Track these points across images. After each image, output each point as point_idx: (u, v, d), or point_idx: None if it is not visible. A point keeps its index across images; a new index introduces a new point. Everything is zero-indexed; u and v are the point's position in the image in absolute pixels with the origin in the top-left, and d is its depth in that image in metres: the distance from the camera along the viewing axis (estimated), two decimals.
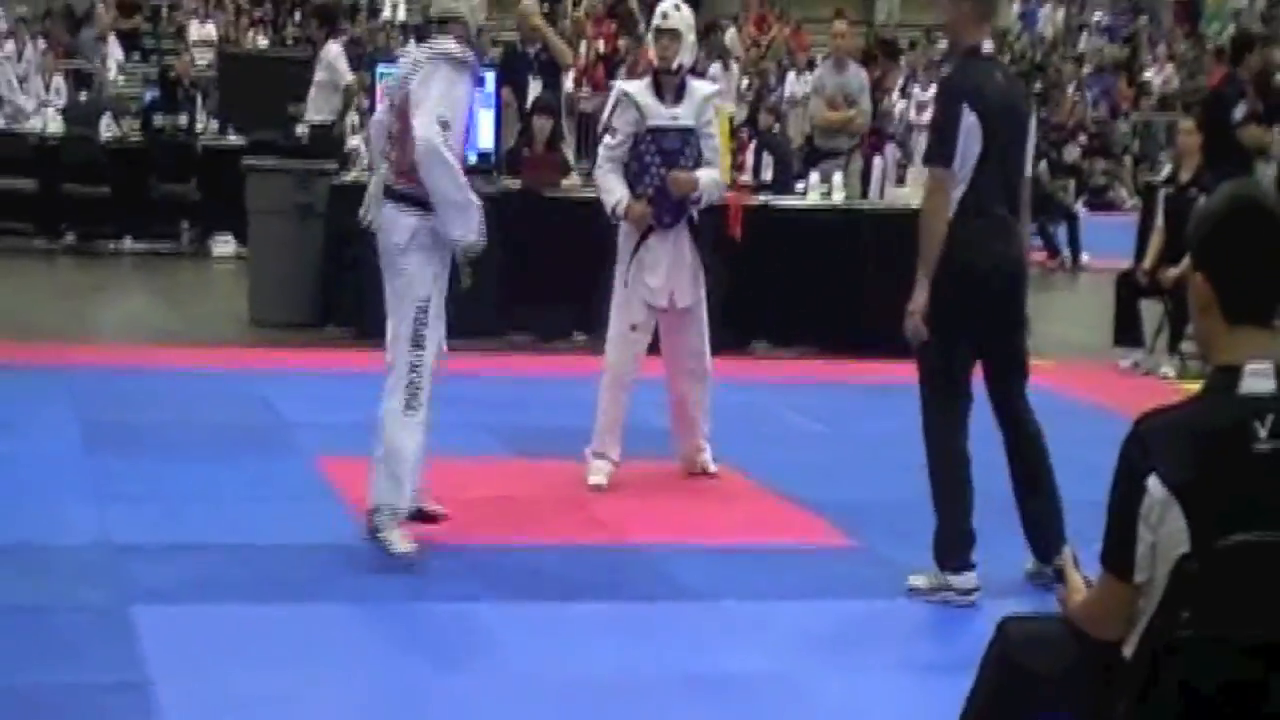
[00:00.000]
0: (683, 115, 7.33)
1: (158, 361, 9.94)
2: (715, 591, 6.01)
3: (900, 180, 11.92)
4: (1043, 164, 17.94)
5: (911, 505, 7.11)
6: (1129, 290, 11.31)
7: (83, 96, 17.13)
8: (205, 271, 14.58)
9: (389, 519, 6.10)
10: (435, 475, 7.40)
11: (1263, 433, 2.88)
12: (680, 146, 7.32)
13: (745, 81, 22.03)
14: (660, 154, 7.32)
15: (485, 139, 11.30)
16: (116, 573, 5.84)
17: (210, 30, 22.27)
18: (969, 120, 5.84)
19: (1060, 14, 30.49)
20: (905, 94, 22.10)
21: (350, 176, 11.91)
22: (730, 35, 24.31)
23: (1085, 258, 17.37)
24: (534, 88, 12.28)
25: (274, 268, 11.44)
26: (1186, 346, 10.53)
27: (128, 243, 15.13)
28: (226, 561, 6.02)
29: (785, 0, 29.09)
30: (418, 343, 6.23)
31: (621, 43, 24.42)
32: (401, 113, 6.07)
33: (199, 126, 15.92)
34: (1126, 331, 11.31)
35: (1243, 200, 3.02)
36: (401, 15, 26.64)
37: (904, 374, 8.06)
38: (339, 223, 11.07)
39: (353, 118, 14.13)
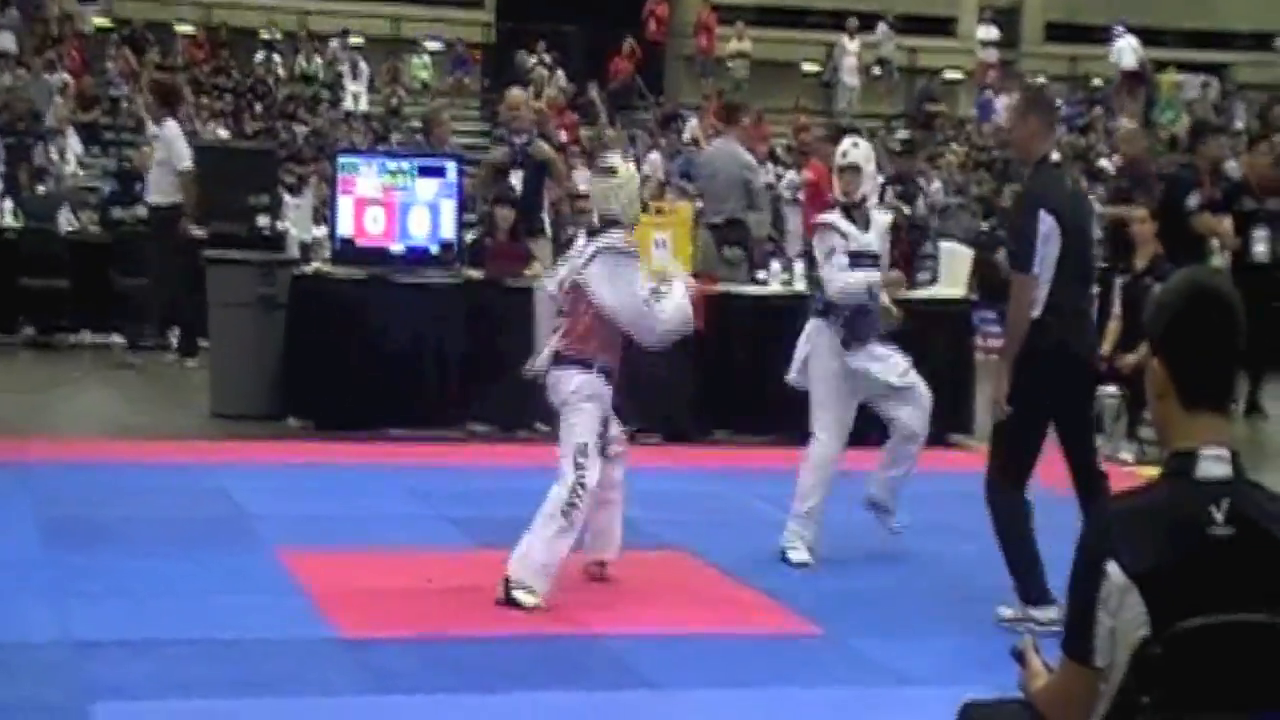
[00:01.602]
0: (872, 242, 7.97)
1: (117, 455, 9.89)
2: (681, 681, 5.99)
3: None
4: (1001, 252, 18.09)
5: (878, 593, 7.14)
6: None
7: (40, 190, 17.12)
8: (166, 365, 14.53)
9: (523, 592, 6.82)
10: (397, 567, 7.39)
11: (1219, 517, 2.91)
12: (875, 273, 7.95)
13: None
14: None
15: (447, 229, 11.35)
16: (77, 670, 5.78)
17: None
18: (1047, 225, 6.45)
19: (1017, 102, 30.86)
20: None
21: (312, 268, 11.97)
22: (692, 125, 24.54)
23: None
24: (514, 177, 12.31)
25: (235, 360, 11.42)
26: (1145, 432, 10.60)
27: (87, 336, 15.10)
28: (188, 657, 5.97)
29: (746, 90, 29.39)
30: (580, 479, 7.01)
31: (584, 133, 24.61)
32: (576, 294, 7.13)
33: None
34: None
35: (1199, 288, 3.06)
36: (364, 106, 26.80)
37: (867, 462, 8.12)
38: (300, 314, 11.11)
39: (295, 206, 13.96)
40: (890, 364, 8.00)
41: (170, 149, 13.85)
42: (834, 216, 8.08)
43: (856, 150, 8.06)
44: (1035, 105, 7.04)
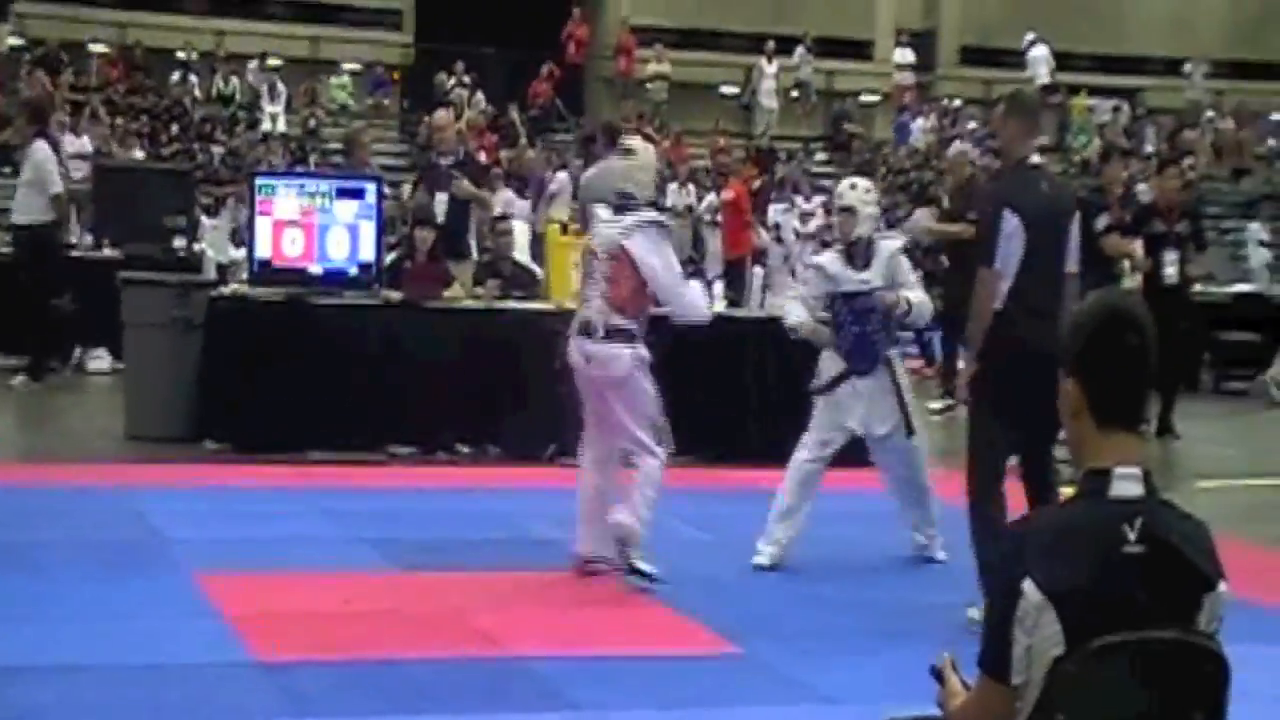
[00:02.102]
0: (872, 278, 8.06)
1: (31, 479, 9.78)
2: (604, 703, 5.99)
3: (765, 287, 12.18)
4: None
5: (795, 613, 7.17)
6: None
7: None
8: (80, 387, 14.37)
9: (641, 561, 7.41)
10: (316, 590, 7.34)
11: (1132, 535, 2.95)
12: (874, 305, 8.04)
13: None
14: (853, 314, 8.08)
15: (366, 251, 11.30)
16: None
17: (85, 143, 22.10)
18: (1011, 224, 6.70)
19: (933, 125, 31.14)
20: (791, 204, 22.47)
21: (229, 289, 11.89)
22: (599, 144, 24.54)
23: (961, 364, 17.60)
24: (440, 200, 12.26)
25: (151, 382, 11.31)
26: (1059, 452, 10.70)
27: None
28: (104, 682, 5.90)
29: (665, 112, 29.50)
30: (662, 443, 7.54)
31: (504, 154, 24.60)
32: (617, 263, 7.47)
33: (73, 240, 15.75)
34: None
35: (1110, 309, 3.11)
36: (281, 127, 26.66)
37: (779, 481, 8.16)
38: (218, 336, 11.03)
39: (213, 228, 13.88)
40: (881, 411, 8.13)
41: (39, 171, 13.57)
42: (824, 258, 8.42)
43: (852, 192, 8.23)
44: (1014, 109, 7.24)
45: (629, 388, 7.49)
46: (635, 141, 8.47)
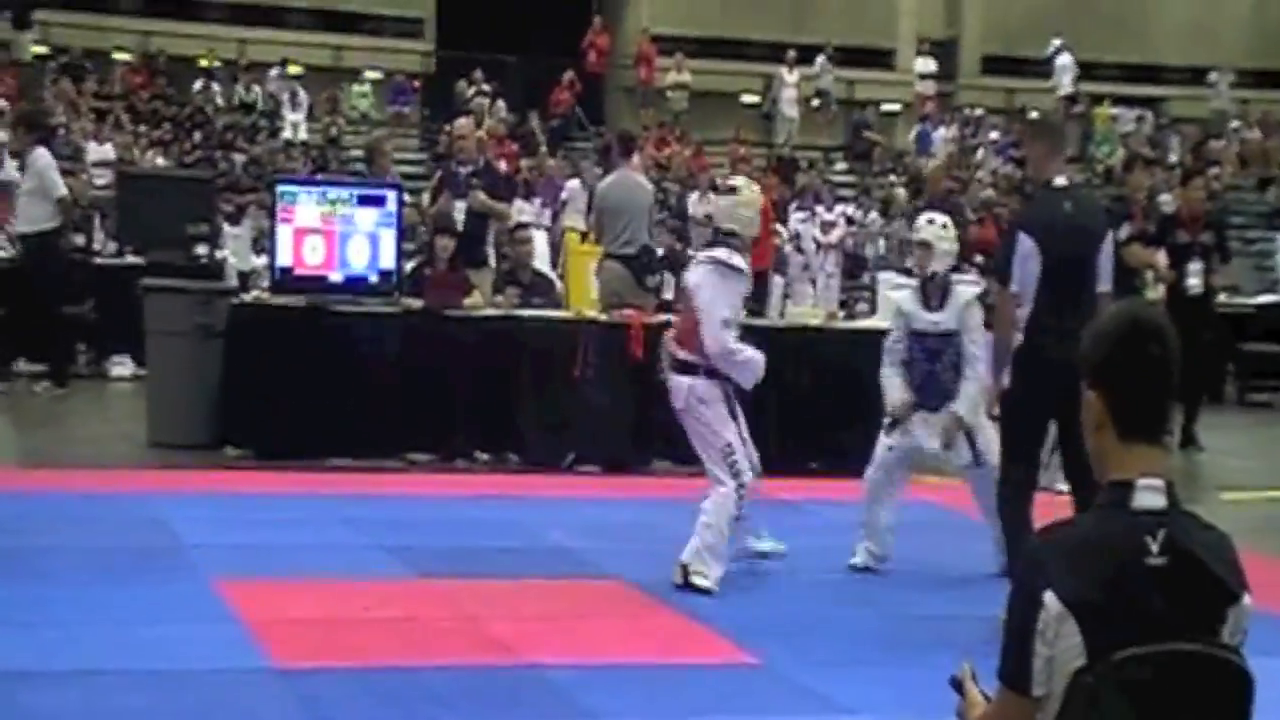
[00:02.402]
0: (944, 320, 8.14)
1: (53, 484, 9.80)
2: (620, 712, 5.97)
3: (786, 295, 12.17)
4: None
5: (813, 622, 7.15)
6: None
7: None
8: (102, 393, 14.42)
9: (699, 576, 7.53)
10: (334, 597, 7.34)
11: (1154, 547, 2.93)
12: (943, 347, 8.14)
13: None
14: (925, 352, 8.22)
15: (386, 259, 11.32)
16: (9, 701, 5.70)
17: (108, 150, 22.18)
18: (1026, 246, 6.88)
19: (955, 135, 31.09)
20: (812, 213, 22.43)
21: (250, 296, 11.93)
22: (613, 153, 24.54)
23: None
24: (459, 208, 12.27)
25: (172, 389, 11.34)
26: None
27: (22, 364, 14.93)
28: (124, 687, 5.91)
29: (685, 121, 29.49)
30: (735, 475, 7.60)
31: (524, 163, 24.63)
32: (684, 298, 7.84)
33: (96, 246, 15.80)
34: None
35: (1135, 320, 3.08)
36: (303, 135, 26.72)
37: (803, 491, 8.15)
38: (239, 343, 11.05)
39: (234, 236, 13.89)
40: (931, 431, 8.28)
41: (42, 178, 13.62)
42: (900, 295, 8.56)
43: (930, 228, 8.29)
44: (1038, 133, 7.61)
45: (690, 418, 7.71)
46: (739, 180, 8.63)
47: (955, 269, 8.34)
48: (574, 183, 21.74)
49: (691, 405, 7.69)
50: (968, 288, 8.44)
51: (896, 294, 8.76)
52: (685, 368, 7.73)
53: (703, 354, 7.67)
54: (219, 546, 8.25)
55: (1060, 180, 7.19)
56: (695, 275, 7.79)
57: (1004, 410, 7.24)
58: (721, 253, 7.74)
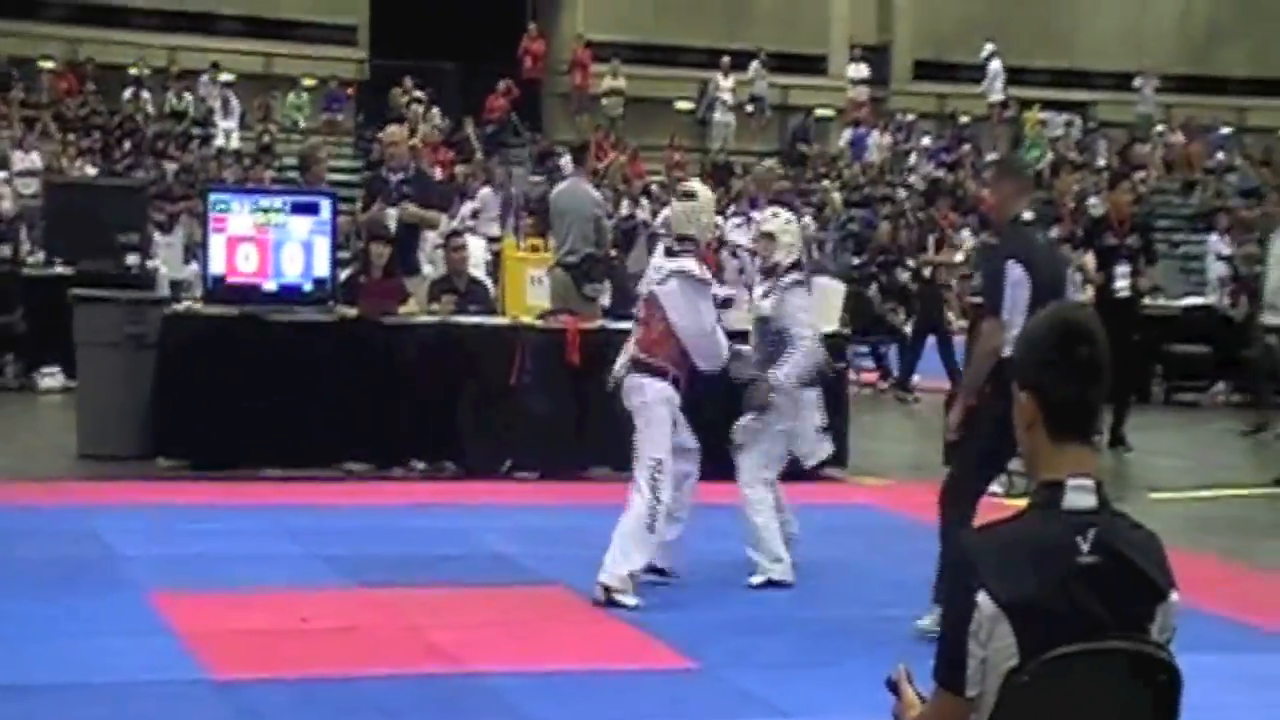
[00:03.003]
0: (766, 306, 8.18)
1: None
2: (561, 718, 5.98)
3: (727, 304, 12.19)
4: (873, 287, 18.32)
5: (747, 625, 7.18)
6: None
7: None
8: (32, 405, 14.27)
9: (621, 595, 7.43)
10: (272, 608, 7.30)
11: (1085, 546, 2.97)
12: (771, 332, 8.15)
13: None
14: (764, 337, 8.21)
15: (321, 267, 11.27)
16: None
17: (34, 159, 21.98)
18: (1015, 274, 7.11)
19: (888, 140, 31.28)
20: (748, 219, 22.46)
21: (183, 306, 11.84)
22: (566, 160, 24.57)
23: (916, 379, 17.62)
24: (390, 215, 12.24)
25: (103, 400, 11.23)
26: (1014, 464, 10.74)
27: None
28: (59, 703, 5.87)
29: (622, 127, 29.51)
30: (654, 491, 7.55)
31: (459, 169, 24.58)
32: (650, 306, 7.76)
33: (24, 257, 15.64)
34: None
35: (1063, 322, 3.12)
36: (235, 143, 26.55)
37: (733, 495, 8.18)
38: (171, 353, 10.97)
39: (166, 245, 13.71)
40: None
41: None
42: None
43: (775, 220, 8.47)
44: (1006, 172, 8.01)
45: (644, 416, 7.70)
46: (695, 184, 8.70)
47: (796, 263, 8.33)
48: (485, 190, 21.66)
49: (642, 406, 7.71)
50: (791, 276, 8.31)
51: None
52: (650, 370, 7.75)
53: (672, 360, 7.73)
54: (153, 558, 8.20)
55: (1028, 215, 7.53)
56: (666, 288, 7.77)
57: (991, 424, 7.23)
58: (689, 264, 7.78)
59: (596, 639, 7.17)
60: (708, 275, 7.94)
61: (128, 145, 24.98)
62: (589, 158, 14.15)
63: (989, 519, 3.12)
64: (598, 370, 10.96)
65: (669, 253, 7.91)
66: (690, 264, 7.80)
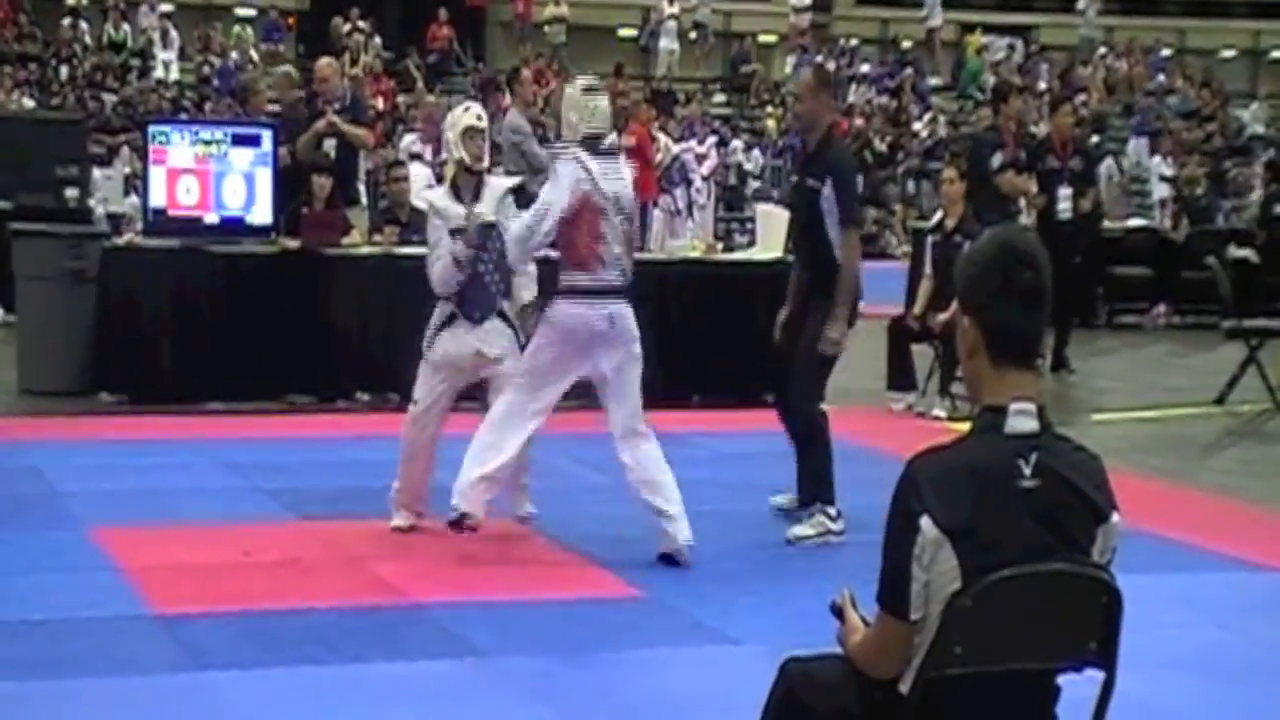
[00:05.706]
0: (484, 211, 7.57)
1: None
2: (505, 648, 5.98)
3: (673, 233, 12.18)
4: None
5: (697, 554, 7.18)
6: (900, 335, 11.58)
7: None
8: None
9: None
10: (214, 542, 7.26)
11: (1026, 470, 2.98)
12: (482, 241, 7.54)
13: None
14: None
15: (263, 199, 11.15)
16: None
17: None
18: (860, 183, 7.32)
19: (830, 66, 31.22)
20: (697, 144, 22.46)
21: (124, 240, 11.71)
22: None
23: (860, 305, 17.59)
24: (329, 146, 12.13)
25: (43, 335, 11.12)
26: (957, 388, 10.81)
27: None
28: (1, 638, 5.82)
29: (565, 55, 29.31)
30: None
31: (401, 99, 24.37)
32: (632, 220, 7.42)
33: None
34: (899, 375, 11.57)
35: (1007, 246, 3.11)
36: (175, 75, 26.24)
37: (679, 424, 8.17)
38: (112, 287, 10.86)
39: (106, 178, 13.59)
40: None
41: None
42: (437, 192, 7.90)
43: (469, 114, 7.73)
44: (823, 82, 8.04)
45: (637, 350, 7.32)
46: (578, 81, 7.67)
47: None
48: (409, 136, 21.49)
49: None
50: (503, 180, 8.08)
51: (428, 193, 8.07)
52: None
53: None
54: (94, 493, 8.13)
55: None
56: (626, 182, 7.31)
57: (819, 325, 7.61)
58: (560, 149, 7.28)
59: (540, 569, 7.17)
60: (573, 159, 7.05)
61: (65, 76, 24.64)
62: (521, 85, 13.98)
63: (932, 443, 3.11)
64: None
65: (607, 154, 7.16)
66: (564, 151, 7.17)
